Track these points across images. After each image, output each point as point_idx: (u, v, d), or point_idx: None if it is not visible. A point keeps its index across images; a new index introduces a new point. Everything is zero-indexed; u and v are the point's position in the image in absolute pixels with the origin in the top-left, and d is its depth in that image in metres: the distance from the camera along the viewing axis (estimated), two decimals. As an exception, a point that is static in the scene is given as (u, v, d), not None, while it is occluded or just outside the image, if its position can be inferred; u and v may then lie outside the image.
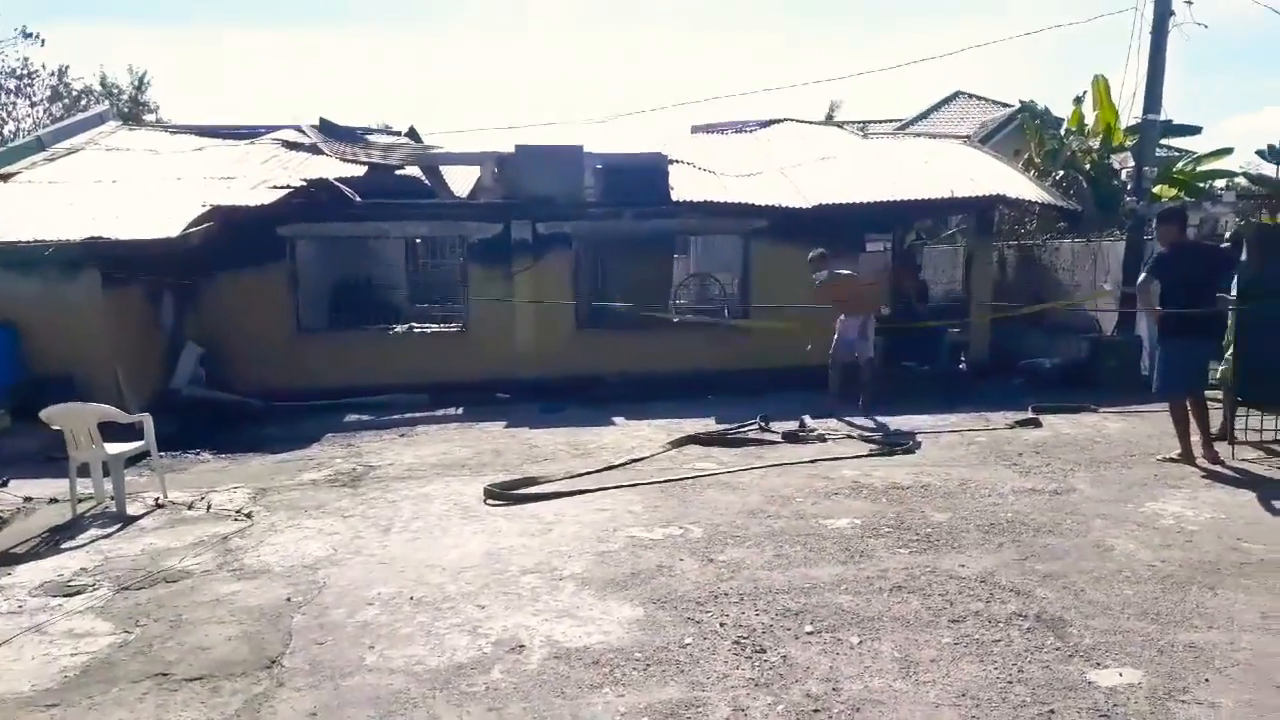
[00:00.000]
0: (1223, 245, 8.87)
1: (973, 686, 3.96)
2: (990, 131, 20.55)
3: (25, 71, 25.75)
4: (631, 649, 4.40)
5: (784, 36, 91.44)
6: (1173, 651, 4.27)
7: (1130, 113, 14.25)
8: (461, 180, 14.28)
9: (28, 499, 7.33)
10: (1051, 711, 3.75)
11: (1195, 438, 7.70)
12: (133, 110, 30.10)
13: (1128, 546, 5.72)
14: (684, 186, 12.56)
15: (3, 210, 10.77)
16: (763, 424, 9.53)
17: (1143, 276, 8.00)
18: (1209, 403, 7.83)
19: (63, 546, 6.26)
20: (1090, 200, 14.44)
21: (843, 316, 10.66)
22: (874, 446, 8.52)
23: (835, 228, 12.36)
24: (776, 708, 3.82)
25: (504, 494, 7.14)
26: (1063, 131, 16.10)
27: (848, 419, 9.84)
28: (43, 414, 7.01)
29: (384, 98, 75.42)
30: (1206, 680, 3.99)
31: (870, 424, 9.67)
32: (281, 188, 11.64)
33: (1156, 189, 13.47)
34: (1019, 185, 13.00)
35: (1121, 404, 10.03)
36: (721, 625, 4.64)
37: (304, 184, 11.90)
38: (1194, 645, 4.32)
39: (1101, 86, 15.33)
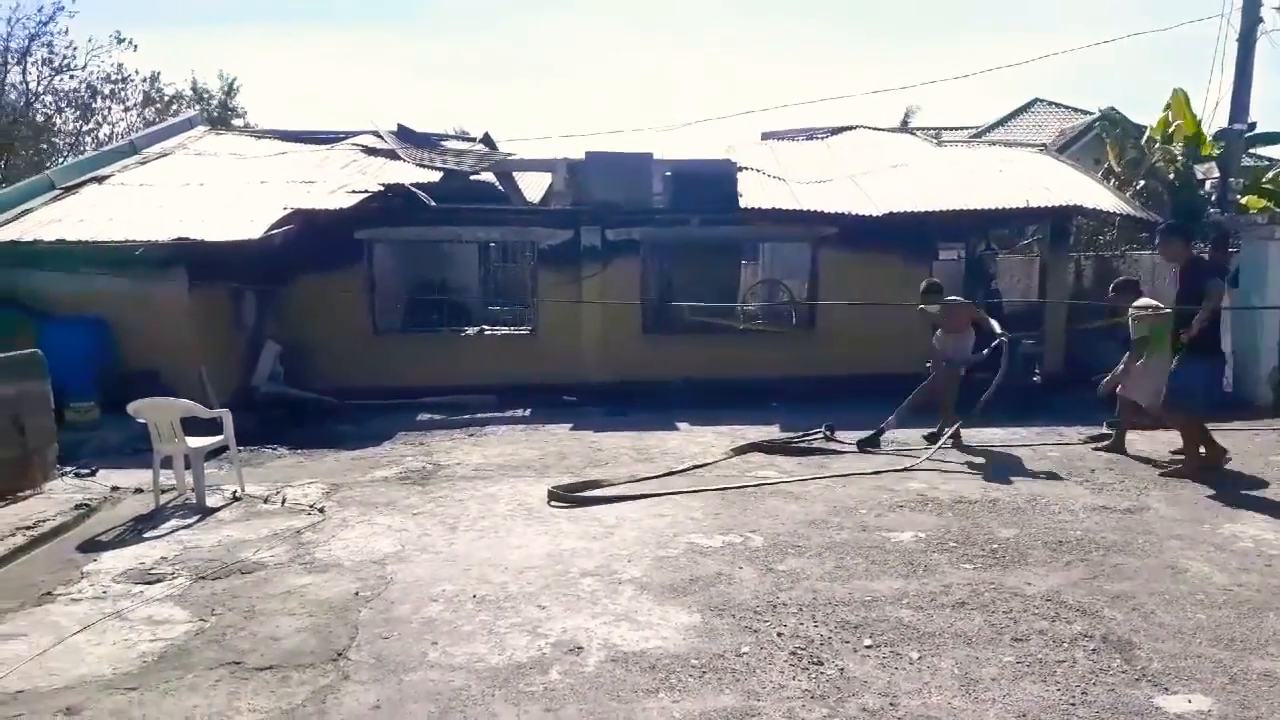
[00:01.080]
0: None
1: (1034, 707, 3.89)
2: (1069, 140, 20.06)
3: (119, 77, 26.81)
4: (688, 655, 4.42)
5: (856, 44, 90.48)
6: (1246, 679, 4.14)
7: (1214, 122, 13.83)
8: (534, 186, 14.50)
9: (114, 488, 7.65)
10: (1115, 735, 3.67)
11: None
12: (222, 115, 31.11)
13: (1202, 569, 5.56)
14: (752, 193, 12.54)
15: (97, 211, 11.25)
16: (828, 433, 9.45)
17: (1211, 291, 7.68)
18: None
19: (145, 536, 6.52)
20: (1172, 211, 14.01)
21: (939, 333, 10.08)
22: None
23: (906, 236, 12.23)
24: (832, 720, 3.81)
25: (567, 496, 7.23)
26: (1144, 140, 15.66)
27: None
28: (129, 407, 7.31)
29: (460, 104, 76.67)
30: (1281, 710, 3.86)
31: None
32: (360, 192, 11.95)
33: (1244, 199, 13.01)
34: (1097, 195, 12.69)
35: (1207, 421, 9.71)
36: (779, 635, 4.64)
37: (381, 189, 12.20)
38: (1269, 674, 4.19)
39: (1181, 98, 14.88)
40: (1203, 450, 7.87)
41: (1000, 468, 8.22)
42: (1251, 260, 11.29)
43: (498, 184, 14.08)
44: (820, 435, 9.45)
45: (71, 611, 5.12)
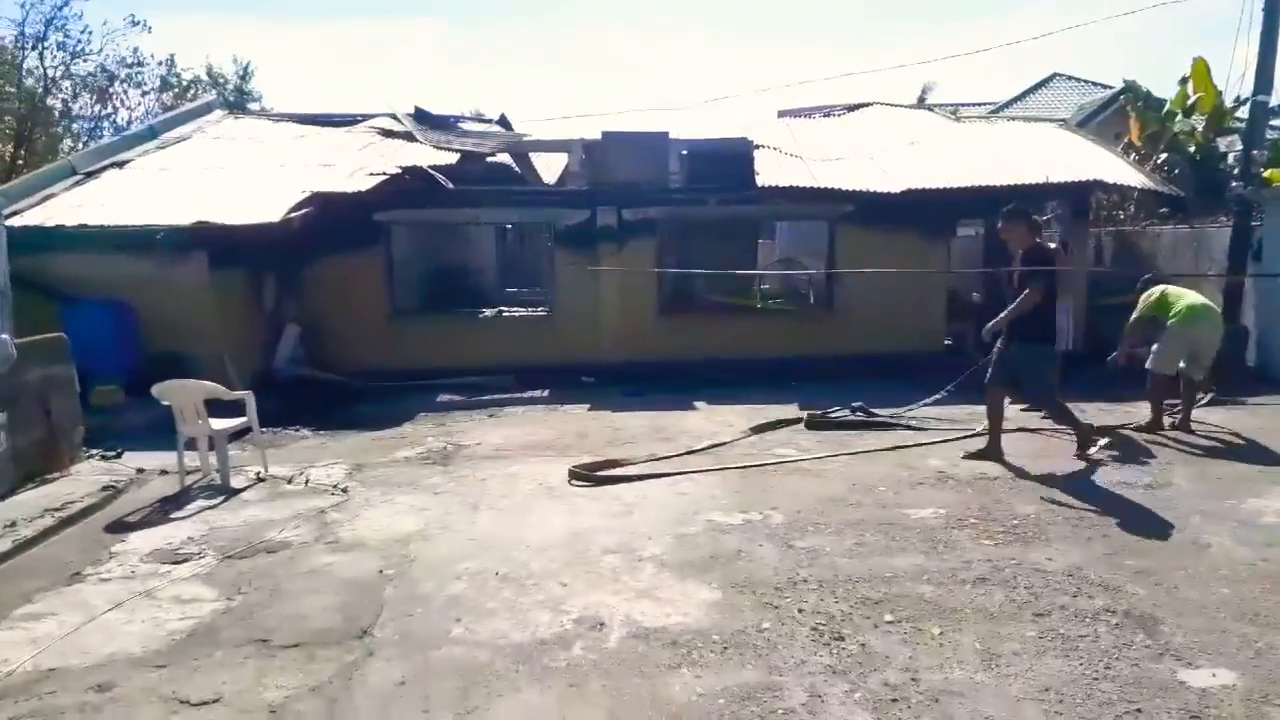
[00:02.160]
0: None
1: (1056, 681, 3.90)
2: (1089, 114, 19.83)
3: (135, 60, 26.92)
4: (709, 631, 4.45)
5: (873, 21, 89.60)
6: (1271, 654, 4.13)
7: (1236, 93, 13.62)
8: (550, 167, 14.47)
9: (140, 470, 7.74)
10: (1139, 710, 3.67)
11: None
12: (238, 99, 31.19)
13: (1225, 544, 5.53)
14: (769, 171, 12.47)
15: (118, 196, 11.33)
16: (864, 411, 9.30)
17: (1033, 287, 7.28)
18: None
19: (172, 516, 6.60)
20: (1194, 185, 13.85)
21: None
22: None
23: (925, 213, 12.15)
24: (854, 695, 3.83)
25: (588, 475, 7.26)
26: (1164, 113, 15.45)
27: None
28: (153, 390, 7.38)
29: (477, 86, 76.51)
30: (1306, 684, 3.85)
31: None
32: (378, 175, 11.97)
33: (1268, 173, 12.82)
34: (1117, 170, 12.56)
35: (1224, 395, 9.63)
36: (800, 611, 4.66)
37: (399, 171, 12.21)
38: (1294, 648, 4.17)
39: (1202, 68, 14.65)
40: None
41: (1022, 444, 8.18)
42: (1275, 234, 11.14)
43: (514, 165, 14.07)
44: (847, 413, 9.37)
45: (101, 591, 5.20)
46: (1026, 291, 7.19)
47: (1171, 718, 3.63)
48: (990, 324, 7.52)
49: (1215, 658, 4.11)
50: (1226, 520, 5.97)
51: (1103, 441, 7.91)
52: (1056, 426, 8.26)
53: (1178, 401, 8.56)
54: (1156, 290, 8.59)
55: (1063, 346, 9.36)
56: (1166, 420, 8.50)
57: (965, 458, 7.63)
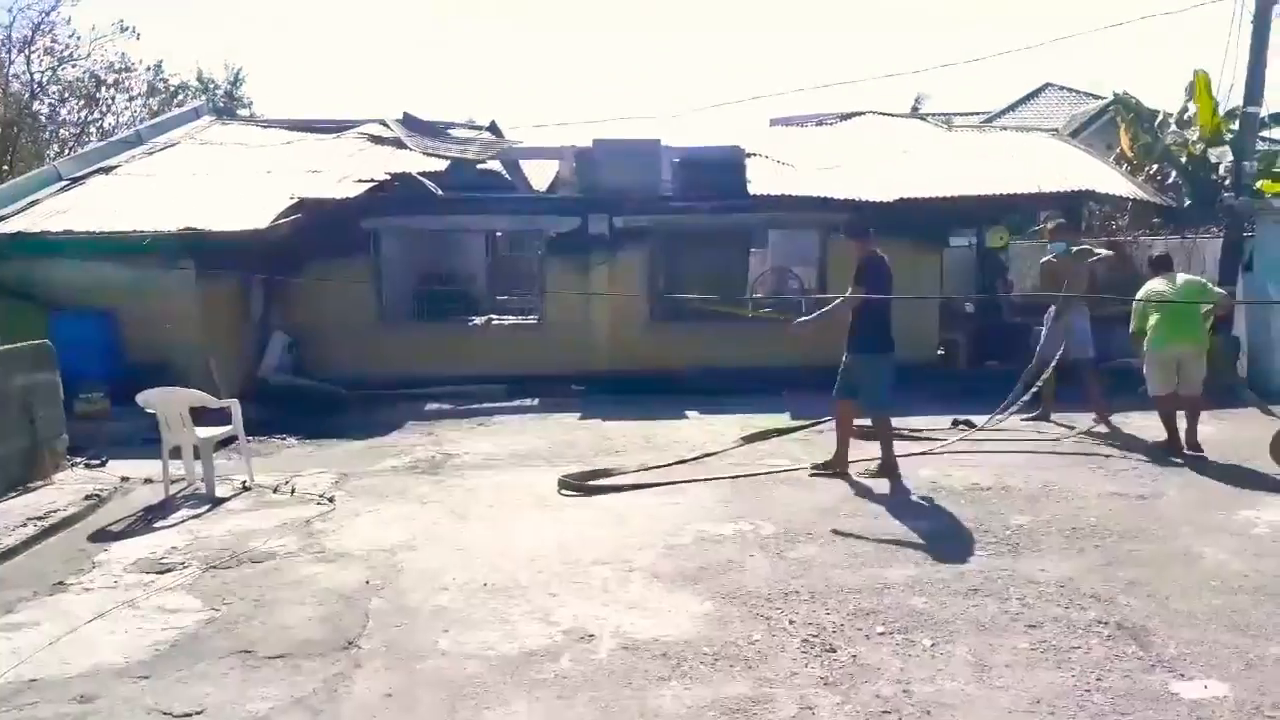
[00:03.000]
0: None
1: (1048, 694, 3.87)
2: (1081, 125, 19.88)
3: (123, 66, 26.82)
4: (700, 643, 4.41)
5: (866, 30, 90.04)
6: (1263, 665, 4.10)
7: (1228, 105, 13.68)
8: (541, 175, 14.43)
9: (124, 479, 7.66)
10: (1131, 722, 3.64)
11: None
12: (228, 105, 31.07)
13: (1218, 555, 5.51)
14: (761, 180, 12.47)
15: (104, 202, 11.26)
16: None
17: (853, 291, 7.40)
18: None
19: (156, 525, 6.53)
20: (1186, 196, 13.90)
21: (1053, 308, 9.45)
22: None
23: (917, 223, 12.15)
24: (845, 707, 3.79)
25: (577, 485, 7.22)
26: (1157, 124, 15.52)
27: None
28: (138, 398, 7.32)
29: (467, 92, 76.56)
30: (1299, 696, 3.82)
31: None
32: (366, 181, 11.92)
33: (1259, 184, 12.89)
34: (1109, 180, 12.60)
35: (1216, 407, 9.62)
36: (791, 623, 4.62)
37: (388, 177, 12.16)
38: (1287, 660, 4.15)
39: (1202, 80, 14.73)
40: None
41: (1013, 455, 8.18)
42: (1267, 245, 11.18)
43: (505, 172, 14.03)
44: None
45: (84, 601, 5.13)
46: (845, 298, 7.32)
47: (1165, 730, 3.60)
48: (797, 321, 7.78)
49: (1207, 669, 4.08)
50: (1219, 532, 5.95)
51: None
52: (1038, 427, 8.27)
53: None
54: (1141, 293, 8.26)
55: (1088, 355, 9.31)
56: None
57: (811, 474, 7.50)
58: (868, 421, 7.70)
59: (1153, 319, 7.98)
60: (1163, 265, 8.43)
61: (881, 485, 7.17)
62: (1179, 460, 7.82)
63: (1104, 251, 10.46)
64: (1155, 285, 8.21)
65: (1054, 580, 5.13)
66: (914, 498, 6.86)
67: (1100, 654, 4.23)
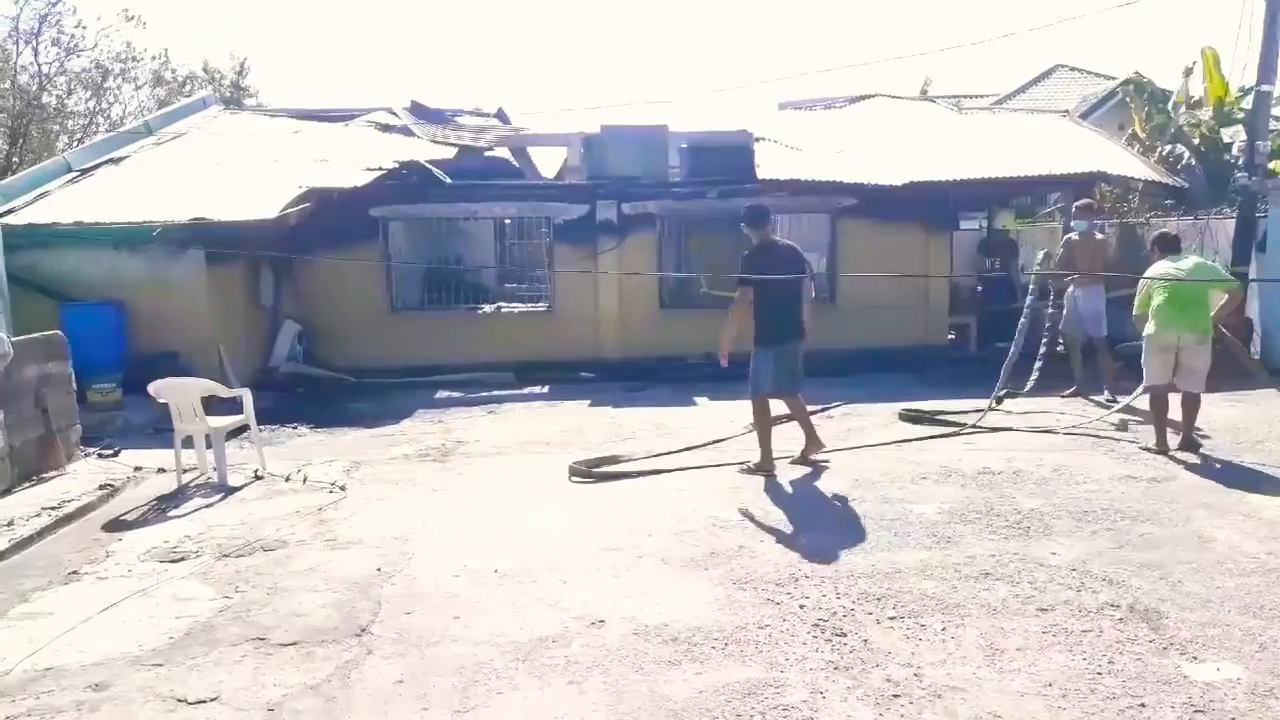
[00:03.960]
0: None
1: (1060, 677, 3.86)
2: (1092, 106, 19.73)
3: (129, 55, 26.86)
4: (710, 628, 4.41)
5: (875, 12, 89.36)
6: (1276, 647, 4.08)
7: (1240, 84, 13.55)
8: (548, 161, 14.41)
9: (137, 469, 7.70)
10: (1143, 705, 3.63)
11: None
12: (234, 95, 31.12)
13: (1231, 537, 5.48)
14: (770, 164, 12.44)
15: (113, 193, 11.30)
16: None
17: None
18: None
19: (169, 515, 6.56)
20: (1199, 176, 13.79)
21: (1073, 286, 9.67)
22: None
23: (927, 206, 12.10)
24: (855, 691, 3.79)
25: (587, 472, 7.22)
26: (1170, 105, 15.39)
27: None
28: (150, 388, 7.35)
29: (474, 79, 76.41)
30: (1312, 678, 3.81)
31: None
32: (374, 170, 11.95)
33: (1273, 164, 12.77)
34: (1121, 161, 12.53)
35: (1228, 389, 9.57)
36: (801, 607, 4.62)
37: (396, 166, 12.18)
38: (1299, 642, 4.13)
39: (1210, 58, 14.59)
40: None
41: (1025, 437, 8.15)
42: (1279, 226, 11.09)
43: (512, 159, 14.01)
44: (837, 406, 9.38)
45: (98, 590, 5.16)
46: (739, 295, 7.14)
47: (1175, 712, 3.58)
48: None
49: (1220, 651, 4.07)
50: (1231, 514, 5.92)
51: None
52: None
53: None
54: (1148, 274, 7.66)
55: (1101, 333, 9.53)
56: (1172, 440, 7.50)
57: (741, 472, 7.21)
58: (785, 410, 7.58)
59: (1156, 301, 7.41)
60: (1170, 246, 7.80)
61: (891, 470, 7.15)
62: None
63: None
64: (1162, 266, 7.59)
65: (1065, 563, 5.12)
66: (924, 482, 6.84)
67: (1112, 637, 4.22)
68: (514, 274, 17.61)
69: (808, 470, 7.22)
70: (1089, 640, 4.19)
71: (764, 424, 7.31)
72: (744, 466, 7.29)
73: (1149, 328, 7.47)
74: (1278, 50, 11.14)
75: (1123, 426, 8.34)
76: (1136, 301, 7.70)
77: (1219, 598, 4.62)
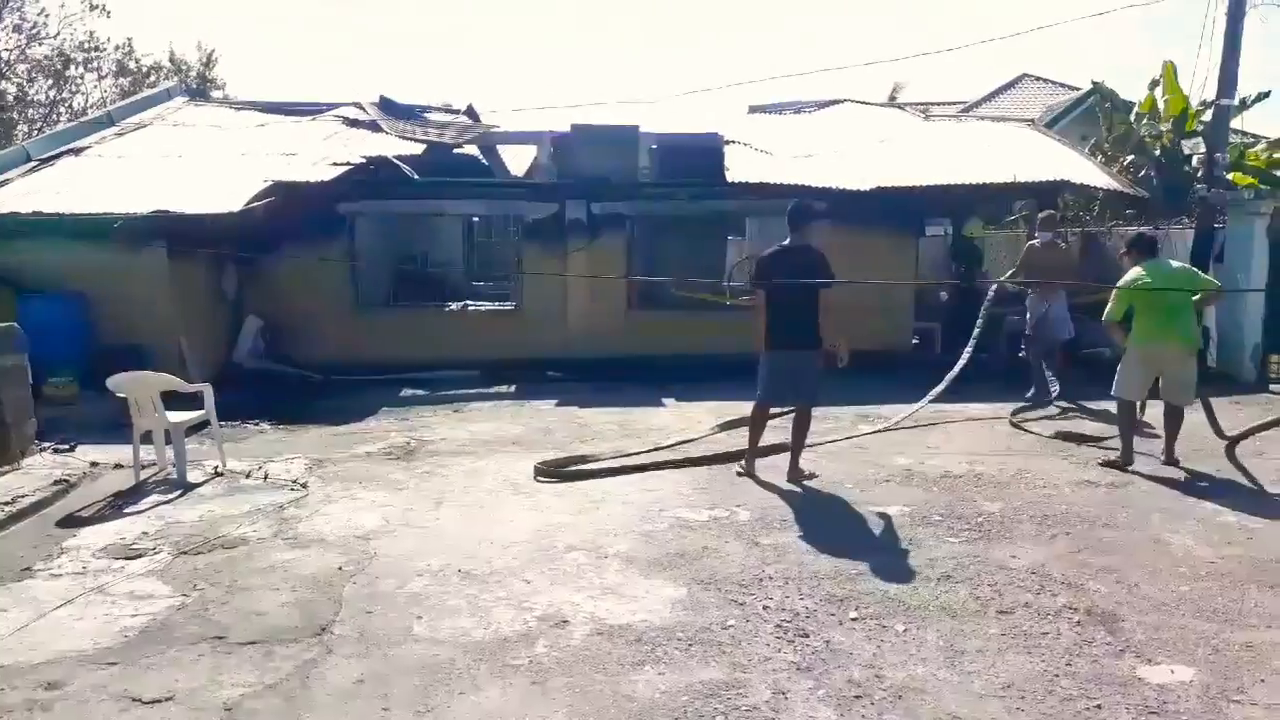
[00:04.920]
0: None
1: (1019, 678, 3.91)
2: (1057, 115, 20.06)
3: (92, 45, 26.39)
4: (674, 628, 4.42)
5: (845, 17, 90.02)
6: (1228, 650, 4.16)
7: (1201, 98, 13.81)
8: (518, 159, 14.37)
9: (94, 464, 7.56)
10: (1099, 706, 3.68)
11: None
12: (201, 86, 30.67)
13: (1185, 542, 5.58)
14: (740, 167, 12.48)
15: (74, 183, 11.10)
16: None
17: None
18: None
19: (126, 511, 6.45)
20: (1159, 186, 14.03)
21: (1032, 294, 10.04)
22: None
23: (894, 211, 12.19)
24: (818, 692, 3.81)
25: (554, 471, 7.20)
26: (1133, 116, 15.64)
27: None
28: (108, 382, 7.22)
29: (443, 75, 75.96)
30: (1262, 681, 3.89)
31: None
32: (341, 164, 11.83)
33: (1230, 176, 13.02)
34: (1084, 170, 12.70)
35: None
36: (765, 608, 4.64)
37: (363, 161, 12.07)
38: (1251, 645, 4.21)
39: (1170, 71, 14.86)
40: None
41: (987, 443, 8.24)
42: (1237, 237, 11.32)
43: (481, 157, 13.95)
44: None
45: (52, 587, 5.06)
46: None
47: (1130, 714, 3.64)
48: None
49: (1174, 654, 4.14)
50: (1186, 518, 6.03)
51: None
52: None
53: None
54: (1129, 276, 7.24)
55: (1067, 335, 9.85)
56: (1165, 452, 7.35)
57: (740, 473, 7.18)
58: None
59: (1139, 311, 7.05)
60: (1146, 248, 7.33)
61: (855, 473, 7.20)
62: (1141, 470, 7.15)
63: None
64: (1139, 272, 7.15)
65: (1025, 566, 5.19)
66: (888, 485, 6.90)
67: (1070, 639, 4.28)
68: (482, 272, 17.60)
69: (774, 471, 7.24)
70: (1047, 642, 4.25)
71: (752, 430, 7.27)
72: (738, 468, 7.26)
73: (1133, 339, 7.12)
74: (1237, 66, 11.36)
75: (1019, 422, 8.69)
76: (1111, 308, 7.25)
77: (1174, 601, 4.70)
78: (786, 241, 7.12)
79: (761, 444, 7.37)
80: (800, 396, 7.17)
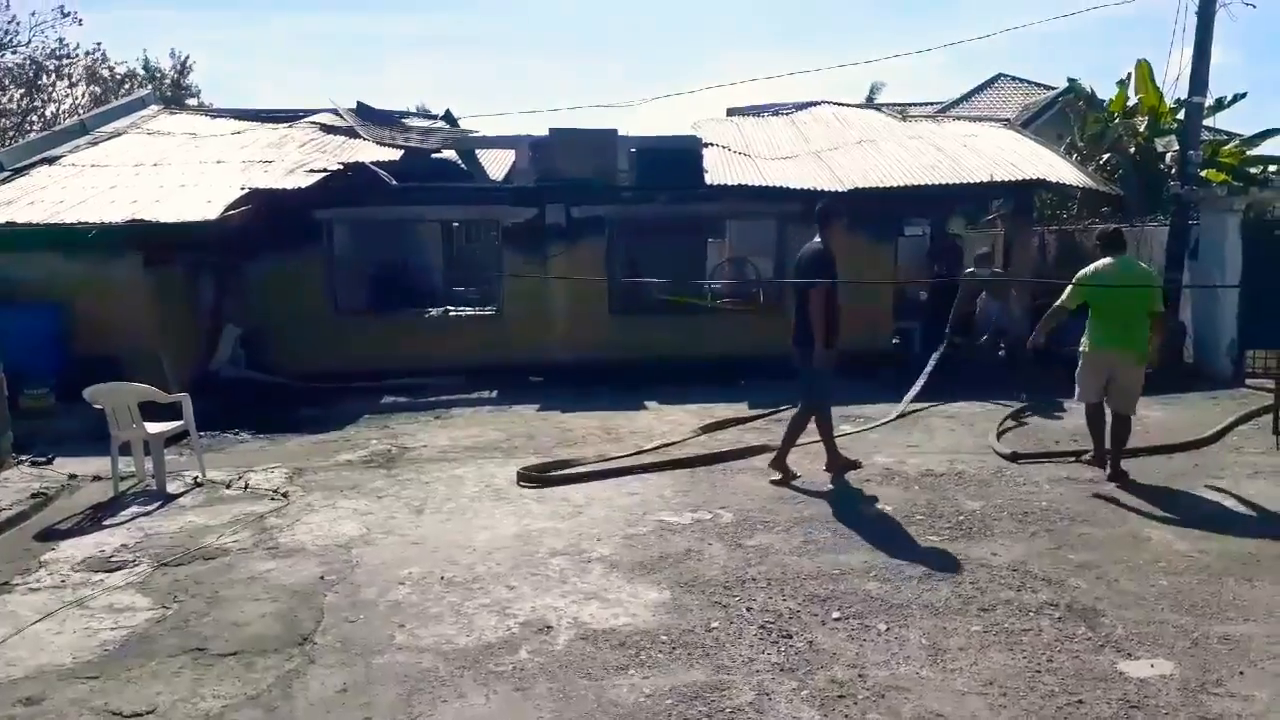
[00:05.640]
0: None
1: (1000, 675, 3.93)
2: (1033, 115, 20.14)
3: (63, 52, 26.20)
4: (658, 632, 4.42)
5: (821, 20, 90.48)
6: (1207, 643, 4.21)
7: (1174, 96, 13.95)
8: (497, 164, 14.33)
9: (72, 476, 7.49)
10: (1080, 701, 3.71)
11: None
12: (175, 94, 30.48)
13: (1164, 537, 5.64)
14: (718, 170, 12.50)
15: (48, 193, 10.98)
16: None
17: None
18: None
19: (105, 523, 6.40)
20: (1135, 185, 14.15)
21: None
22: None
23: (872, 213, 12.22)
24: (801, 692, 3.82)
25: (536, 477, 7.18)
26: (1106, 114, 15.78)
27: None
28: (86, 393, 7.15)
29: (422, 81, 75.78)
30: (1241, 673, 3.93)
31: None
32: (319, 171, 11.76)
33: (1204, 173, 13.15)
34: (1060, 169, 12.79)
35: (1163, 392, 9.82)
36: (748, 610, 4.65)
37: (341, 167, 12.01)
38: (1229, 637, 4.26)
39: (1144, 70, 15.00)
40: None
41: (968, 441, 8.29)
42: (1211, 233, 11.43)
43: (460, 162, 13.90)
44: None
45: (30, 601, 5.01)
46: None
47: (1111, 708, 3.67)
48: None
49: (1154, 648, 4.18)
50: (1164, 514, 6.09)
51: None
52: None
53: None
54: (1086, 270, 7.15)
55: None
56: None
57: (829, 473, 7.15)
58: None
59: (1091, 315, 6.93)
60: (1115, 243, 7.14)
61: (837, 474, 7.22)
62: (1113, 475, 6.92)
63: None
64: (1101, 265, 7.03)
65: (1006, 564, 5.22)
66: (869, 484, 6.92)
67: (1051, 635, 4.31)
68: (462, 277, 17.56)
69: (756, 473, 7.26)
70: (1029, 639, 4.28)
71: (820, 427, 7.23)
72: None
73: (1084, 344, 7.01)
74: (1208, 65, 11.48)
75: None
76: (1065, 295, 7.12)
77: (1153, 596, 4.75)
78: (815, 239, 7.15)
79: (744, 446, 7.41)
80: (800, 394, 7.41)
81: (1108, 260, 7.02)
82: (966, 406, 9.69)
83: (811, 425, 7.24)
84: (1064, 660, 4.06)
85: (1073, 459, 7.42)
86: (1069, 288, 7.19)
